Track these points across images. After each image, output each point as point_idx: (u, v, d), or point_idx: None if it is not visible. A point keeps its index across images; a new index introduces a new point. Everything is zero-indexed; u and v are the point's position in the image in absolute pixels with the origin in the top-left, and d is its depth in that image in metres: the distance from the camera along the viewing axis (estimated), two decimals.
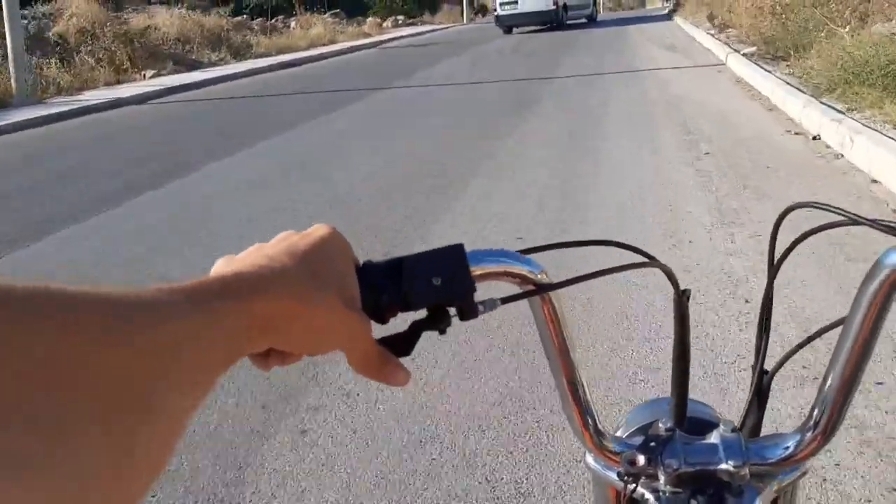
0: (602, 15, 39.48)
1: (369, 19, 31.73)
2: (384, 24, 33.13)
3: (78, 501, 0.27)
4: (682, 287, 0.62)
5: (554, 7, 22.47)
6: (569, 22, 24.13)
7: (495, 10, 23.65)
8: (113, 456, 0.28)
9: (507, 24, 23.17)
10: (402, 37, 25.36)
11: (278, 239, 0.45)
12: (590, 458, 0.68)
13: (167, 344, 0.31)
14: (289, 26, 25.34)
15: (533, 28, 23.37)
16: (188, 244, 4.22)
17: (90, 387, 0.27)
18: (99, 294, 0.30)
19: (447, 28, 32.09)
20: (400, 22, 35.15)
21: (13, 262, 4.16)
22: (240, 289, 0.37)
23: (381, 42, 23.15)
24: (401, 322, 0.49)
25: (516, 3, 22.34)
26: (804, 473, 0.65)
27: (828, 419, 0.59)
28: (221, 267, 0.42)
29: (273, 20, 25.24)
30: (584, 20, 25.89)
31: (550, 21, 22.70)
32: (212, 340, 0.34)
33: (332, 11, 30.51)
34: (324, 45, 22.38)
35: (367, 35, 27.49)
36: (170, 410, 0.31)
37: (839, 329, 0.57)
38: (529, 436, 2.15)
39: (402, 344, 0.48)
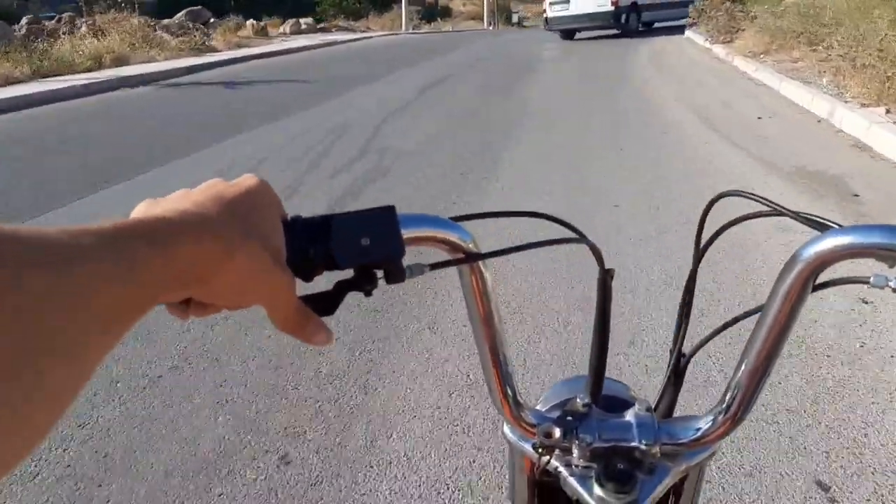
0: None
1: (252, 22, 24.00)
2: (282, 29, 26.16)
3: None
4: (607, 267, 0.63)
5: (612, 7, 17.67)
6: (647, 27, 19.58)
7: (544, 11, 19.57)
8: (18, 394, 0.27)
9: (559, 29, 19.20)
10: (266, 54, 17.38)
11: (206, 186, 0.44)
12: (507, 429, 0.69)
13: (77, 287, 0.30)
14: (72, 31, 16.56)
15: (583, 36, 19.14)
16: None
17: None
18: (11, 231, 0.29)
19: (369, 38, 24.91)
20: (303, 27, 27.04)
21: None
22: (160, 232, 0.36)
23: (203, 67, 14.67)
24: (325, 282, 0.48)
25: (567, 2, 18.28)
26: (713, 454, 0.67)
27: (738, 404, 0.60)
28: (144, 209, 0.41)
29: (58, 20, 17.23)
30: (670, 23, 20.38)
31: (609, 24, 18.28)
32: (126, 286, 0.33)
33: (188, 9, 22.64)
34: (87, 70, 13.41)
35: (208, 51, 17.95)
36: (78, 354, 0.30)
37: (756, 317, 0.58)
38: None
39: (326, 303, 0.48)
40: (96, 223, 0.33)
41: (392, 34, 28.35)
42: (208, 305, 0.43)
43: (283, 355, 2.70)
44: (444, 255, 0.55)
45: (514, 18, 48.88)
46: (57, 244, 0.30)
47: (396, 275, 0.48)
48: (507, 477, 0.75)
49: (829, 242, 0.50)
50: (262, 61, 16.46)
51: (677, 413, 0.71)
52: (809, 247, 0.51)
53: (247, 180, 0.45)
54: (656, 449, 0.62)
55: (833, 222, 0.54)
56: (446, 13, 47.57)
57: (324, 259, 0.46)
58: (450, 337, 2.77)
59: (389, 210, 0.48)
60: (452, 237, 0.54)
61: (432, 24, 36.96)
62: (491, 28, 39.88)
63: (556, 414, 0.64)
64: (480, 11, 44.66)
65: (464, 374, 2.51)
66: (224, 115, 8.65)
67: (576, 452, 0.62)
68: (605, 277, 0.63)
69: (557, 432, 0.61)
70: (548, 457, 0.62)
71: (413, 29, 32.45)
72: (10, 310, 0.27)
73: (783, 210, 0.58)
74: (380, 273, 0.48)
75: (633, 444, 0.62)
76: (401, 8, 33.25)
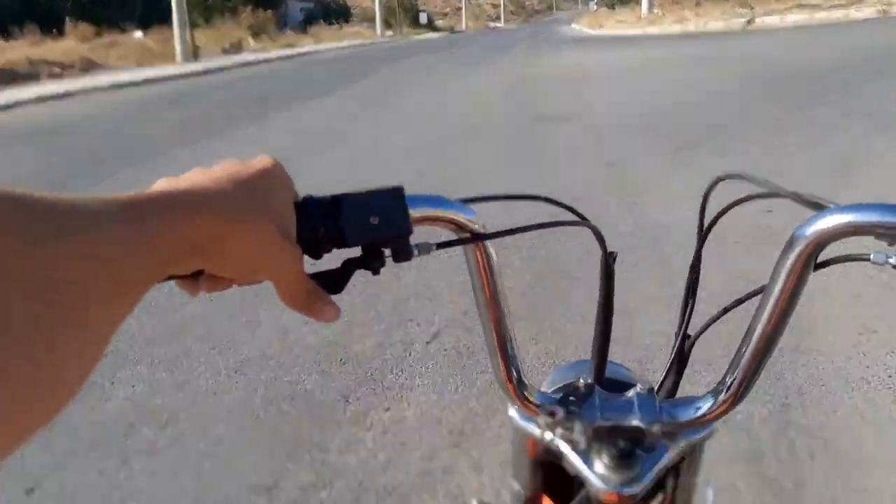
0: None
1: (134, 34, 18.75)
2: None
3: None
4: (609, 250, 0.64)
5: None
6: None
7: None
8: (35, 363, 0.27)
9: None
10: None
11: (221, 165, 0.45)
12: (512, 410, 0.70)
13: (93, 253, 0.31)
14: None
15: None
16: None
17: (12, 290, 0.27)
18: (29, 198, 0.29)
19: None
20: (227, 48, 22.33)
21: None
22: (176, 205, 0.37)
23: None
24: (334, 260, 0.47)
25: None
26: (711, 433, 0.67)
27: (739, 383, 0.61)
28: (162, 185, 0.42)
29: None
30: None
31: None
32: (141, 255, 0.34)
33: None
34: None
35: None
36: (93, 322, 0.31)
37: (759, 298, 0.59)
38: None
39: (335, 281, 0.48)
40: (113, 194, 0.34)
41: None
42: (219, 280, 0.44)
43: None
44: (450, 235, 0.56)
45: (422, 18, 41.01)
46: (71, 214, 0.31)
47: (404, 253, 0.49)
48: (511, 455, 0.75)
49: (828, 221, 0.51)
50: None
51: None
52: (808, 226, 0.52)
53: (261, 161, 0.46)
54: (657, 428, 0.62)
55: (831, 202, 0.54)
56: (342, 13, 40.39)
57: (334, 237, 0.47)
58: None
59: (398, 190, 0.49)
60: (459, 217, 0.55)
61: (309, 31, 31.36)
62: (388, 36, 34.62)
63: (559, 395, 0.65)
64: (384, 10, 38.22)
65: None
66: None
67: (578, 431, 0.62)
68: (608, 260, 0.64)
69: (561, 412, 0.62)
70: (551, 436, 0.63)
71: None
72: (21, 280, 0.27)
73: (783, 192, 0.59)
74: (387, 251, 0.49)
75: (635, 422, 0.63)
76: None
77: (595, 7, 40.73)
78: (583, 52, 17.85)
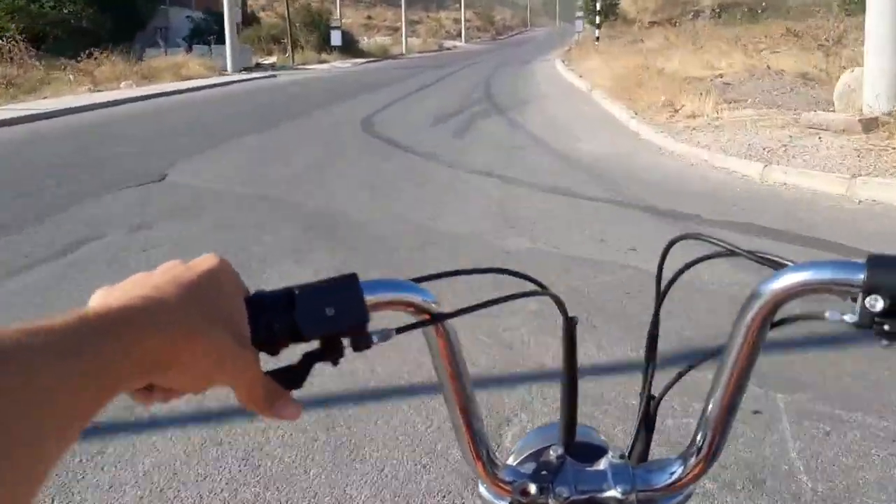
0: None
1: None
2: None
3: None
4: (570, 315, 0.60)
5: None
6: None
7: None
8: None
9: None
10: None
11: (163, 269, 0.43)
12: (482, 489, 0.68)
13: (35, 390, 0.29)
14: None
15: None
16: None
17: None
18: None
19: None
20: None
21: None
22: (118, 323, 0.35)
23: None
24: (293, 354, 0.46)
25: None
26: (688, 497, 0.66)
27: (709, 445, 0.61)
28: (101, 297, 0.40)
29: None
30: None
31: None
32: (80, 388, 0.32)
33: None
34: None
35: None
36: (35, 455, 0.30)
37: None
38: None
39: (294, 376, 0.47)
40: (52, 318, 0.33)
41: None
42: (172, 390, 0.42)
43: None
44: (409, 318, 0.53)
45: (335, 38, 28.06)
46: (10, 348, 0.29)
47: (363, 342, 0.48)
48: None
49: (786, 280, 0.52)
50: None
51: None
52: (766, 285, 0.53)
53: (206, 261, 0.45)
54: (633, 496, 0.61)
55: (789, 260, 0.55)
56: (252, 22, 30.02)
57: (289, 332, 0.46)
58: None
59: (351, 278, 0.48)
60: (416, 299, 0.54)
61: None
62: (235, 77, 19.15)
63: (530, 468, 0.64)
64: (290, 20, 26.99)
65: None
66: None
67: None
68: (570, 326, 0.63)
69: (533, 489, 0.61)
70: None
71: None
72: None
73: (739, 251, 0.59)
74: (346, 341, 0.48)
75: (610, 493, 0.62)
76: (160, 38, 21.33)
77: (582, 29, 30.05)
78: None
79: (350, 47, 31.57)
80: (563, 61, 23.90)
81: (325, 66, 26.40)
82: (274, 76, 21.68)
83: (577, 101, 13.63)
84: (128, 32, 23.34)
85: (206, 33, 25.24)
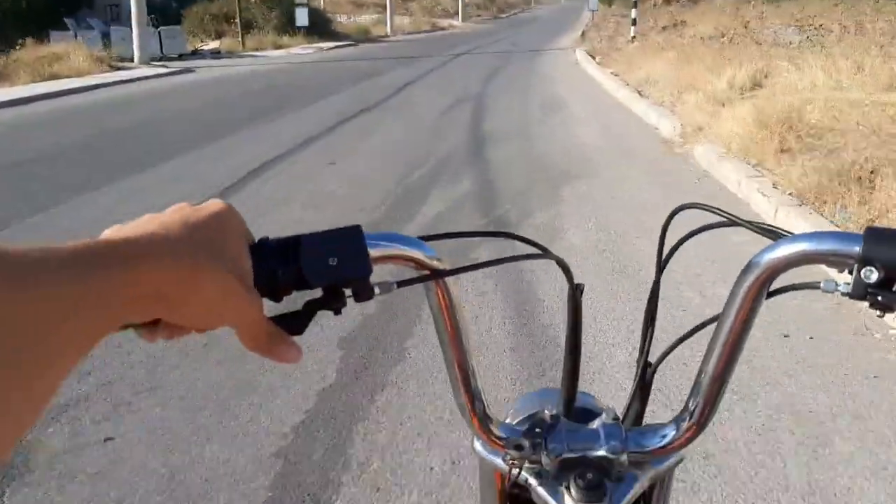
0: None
1: None
2: None
3: None
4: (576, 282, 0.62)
5: None
6: None
7: None
8: None
9: None
10: None
11: (172, 210, 0.44)
12: (477, 444, 0.70)
13: (40, 310, 0.30)
14: None
15: None
16: None
17: None
18: None
19: None
20: None
21: None
22: (127, 254, 0.36)
23: None
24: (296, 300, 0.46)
25: None
26: (680, 461, 0.68)
27: (702, 410, 0.62)
28: (111, 233, 0.41)
29: None
30: None
31: None
32: (89, 308, 0.33)
33: None
34: None
35: None
36: (40, 375, 0.30)
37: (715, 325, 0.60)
38: None
39: (296, 322, 0.48)
40: (63, 244, 0.33)
41: None
42: (177, 328, 0.43)
43: None
44: (411, 272, 0.54)
45: (301, 18, 22.42)
46: (20, 265, 0.30)
47: (364, 293, 0.49)
48: (478, 491, 0.74)
49: (782, 251, 0.53)
50: None
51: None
52: (763, 255, 0.54)
53: (213, 205, 0.45)
54: (624, 457, 0.62)
55: (786, 231, 0.56)
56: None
57: (293, 279, 0.47)
58: None
59: (356, 229, 0.49)
60: (418, 255, 0.54)
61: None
62: (162, 65, 15.16)
63: (525, 426, 0.65)
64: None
65: None
66: None
67: (545, 463, 0.63)
68: (575, 292, 0.64)
69: (527, 444, 0.62)
70: (518, 469, 0.63)
71: None
72: None
73: (739, 221, 0.60)
74: (348, 291, 0.49)
75: (602, 452, 0.63)
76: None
77: (597, 8, 24.38)
78: None
79: (323, 28, 25.46)
80: (592, 56, 14.99)
81: (280, 52, 20.87)
82: (191, 71, 15.47)
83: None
84: (70, 10, 19.22)
85: (165, 12, 20.61)
